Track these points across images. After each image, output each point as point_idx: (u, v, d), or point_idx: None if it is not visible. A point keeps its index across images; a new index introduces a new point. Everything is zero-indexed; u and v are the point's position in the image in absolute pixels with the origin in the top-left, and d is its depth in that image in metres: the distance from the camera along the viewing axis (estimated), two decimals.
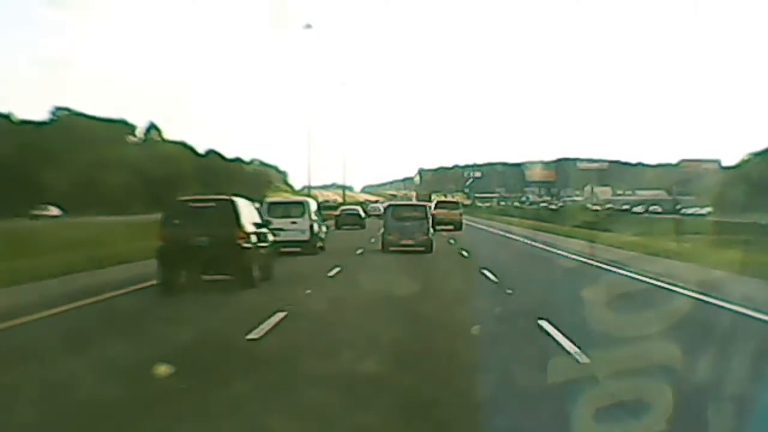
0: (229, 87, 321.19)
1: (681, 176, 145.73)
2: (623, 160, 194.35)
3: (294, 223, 28.34)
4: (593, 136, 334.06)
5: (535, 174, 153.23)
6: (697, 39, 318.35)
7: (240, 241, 15.22)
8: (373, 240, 35.51)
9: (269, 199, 29.55)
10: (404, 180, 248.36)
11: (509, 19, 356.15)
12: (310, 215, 28.53)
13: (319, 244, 29.43)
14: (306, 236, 28.19)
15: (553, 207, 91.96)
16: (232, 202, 15.73)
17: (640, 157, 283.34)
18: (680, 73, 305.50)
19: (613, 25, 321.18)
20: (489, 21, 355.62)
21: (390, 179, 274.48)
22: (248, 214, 16.43)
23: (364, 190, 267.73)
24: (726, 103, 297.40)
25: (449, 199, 63.92)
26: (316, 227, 28.86)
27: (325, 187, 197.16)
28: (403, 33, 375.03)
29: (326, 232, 32.07)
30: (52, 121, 69.34)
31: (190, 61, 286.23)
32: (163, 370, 8.12)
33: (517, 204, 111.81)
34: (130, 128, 78.56)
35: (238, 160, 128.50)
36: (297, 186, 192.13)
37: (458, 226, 45.16)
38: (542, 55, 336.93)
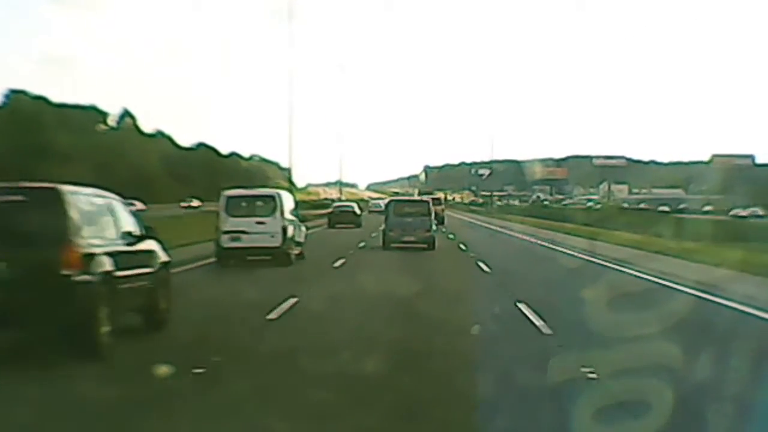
0: (232, 85, 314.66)
1: (692, 174, 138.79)
2: (634, 157, 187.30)
3: (260, 223, 21.63)
4: (602, 134, 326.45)
5: (545, 171, 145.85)
6: (712, 36, 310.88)
7: (69, 271, 7.86)
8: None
9: (227, 192, 22.31)
10: (409, 178, 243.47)
11: (518, 15, 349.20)
12: (282, 213, 21.61)
13: (295, 251, 22.59)
14: (276, 241, 21.44)
15: (598, 207, 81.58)
16: (59, 195, 8.30)
17: (652, 155, 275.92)
18: (695, 69, 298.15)
19: (623, 24, 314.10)
20: (496, 17, 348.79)
21: (395, 177, 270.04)
22: (95, 217, 8.98)
23: (369, 188, 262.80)
24: (745, 100, 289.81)
25: (434, 196, 71.39)
26: (290, 230, 21.99)
27: (328, 185, 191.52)
28: (409, 29, 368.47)
29: (306, 235, 24.93)
30: (5, 105, 61.72)
31: (192, 60, 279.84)
32: None
33: (546, 203, 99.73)
34: (102, 116, 70.72)
35: (234, 155, 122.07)
36: (300, 184, 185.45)
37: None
38: (551, 52, 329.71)
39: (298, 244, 23.31)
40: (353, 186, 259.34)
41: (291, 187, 24.22)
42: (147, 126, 79.15)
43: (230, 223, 21.47)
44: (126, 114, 74.55)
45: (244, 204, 22.13)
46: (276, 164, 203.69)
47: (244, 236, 21.37)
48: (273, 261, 21.37)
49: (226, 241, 21.38)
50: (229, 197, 22.07)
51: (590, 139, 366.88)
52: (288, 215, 22.29)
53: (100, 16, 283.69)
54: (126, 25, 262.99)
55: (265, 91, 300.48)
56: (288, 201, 23.05)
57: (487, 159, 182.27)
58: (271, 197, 22.11)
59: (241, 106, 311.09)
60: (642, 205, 69.84)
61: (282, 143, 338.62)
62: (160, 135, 76.07)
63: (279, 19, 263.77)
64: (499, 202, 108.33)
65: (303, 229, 24.59)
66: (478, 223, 64.53)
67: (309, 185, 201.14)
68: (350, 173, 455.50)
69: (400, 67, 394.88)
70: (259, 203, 22.29)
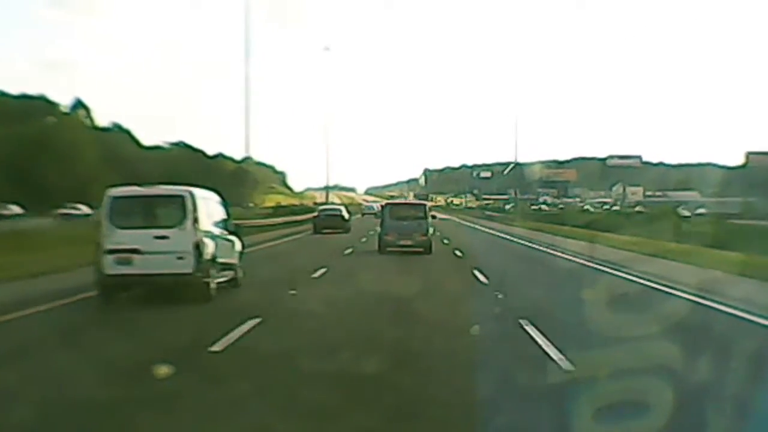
0: (232, 91, 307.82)
1: (697, 175, 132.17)
2: (643, 159, 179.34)
3: (162, 237, 14.32)
4: (603, 135, 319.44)
5: (551, 173, 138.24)
6: (716, 36, 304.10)
7: None
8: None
9: (114, 191, 14.79)
10: (409, 181, 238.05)
11: (520, 15, 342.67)
12: (195, 222, 14.25)
13: (220, 278, 15.36)
14: (186, 265, 14.22)
15: (639, 210, 60.82)
16: None
17: (660, 156, 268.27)
18: (698, 70, 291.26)
19: (623, 26, 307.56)
20: (498, 18, 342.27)
21: (395, 181, 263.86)
22: None
23: (367, 192, 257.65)
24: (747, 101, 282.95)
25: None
26: (210, 247, 14.65)
27: (327, 189, 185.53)
28: (408, 30, 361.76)
29: (242, 254, 17.47)
30: None
31: (189, 63, 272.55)
32: None
33: (588, 207, 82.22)
34: (52, 106, 62.88)
35: (220, 156, 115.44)
36: (299, 188, 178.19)
37: None
38: (553, 52, 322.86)
39: (227, 267, 15.95)
40: (351, 190, 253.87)
41: (217, 195, 16.65)
42: (109, 119, 72.46)
43: (116, 238, 14.16)
44: (79, 105, 66.86)
45: (137, 209, 14.79)
46: (271, 167, 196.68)
47: (136, 258, 14.10)
48: (182, 294, 14.17)
49: (110, 265, 14.07)
50: (115, 198, 14.64)
51: (591, 140, 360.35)
52: (208, 225, 14.94)
53: (88, 17, 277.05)
54: (122, 27, 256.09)
55: (264, 95, 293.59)
56: (209, 204, 15.66)
57: (489, 161, 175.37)
58: (179, 198, 14.63)
59: (239, 110, 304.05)
60: (700, 210, 57.71)
61: (276, 147, 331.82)
62: (117, 129, 68.34)
63: (278, 22, 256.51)
64: (532, 206, 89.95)
65: (237, 245, 17.14)
66: (536, 247, 34.09)
67: (308, 189, 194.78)
68: (349, 177, 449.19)
69: (399, 70, 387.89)
70: (160, 208, 14.97)
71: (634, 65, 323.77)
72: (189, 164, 69.58)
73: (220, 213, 16.29)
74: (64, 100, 67.46)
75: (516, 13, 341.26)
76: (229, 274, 16.21)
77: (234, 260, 16.62)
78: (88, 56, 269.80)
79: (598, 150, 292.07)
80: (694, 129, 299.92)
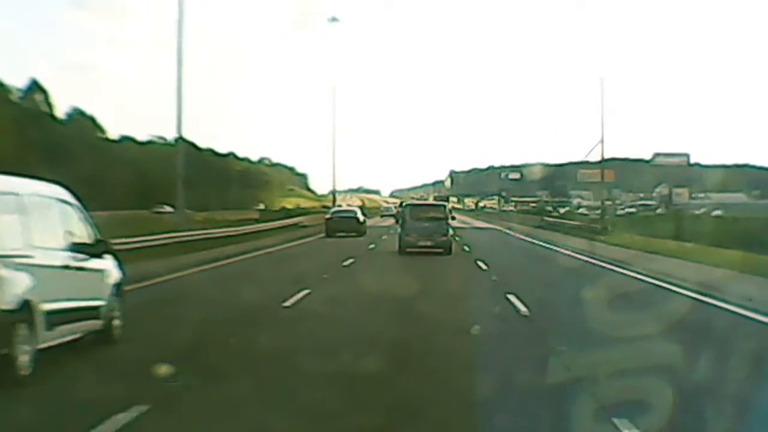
0: (253, 88, 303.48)
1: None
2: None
3: None
4: (632, 135, 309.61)
5: (585, 174, 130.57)
6: (733, 37, 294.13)
7: None
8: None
9: None
10: (435, 183, 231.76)
11: (544, 12, 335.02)
12: None
13: (53, 338, 8.99)
14: None
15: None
16: None
17: (697, 157, 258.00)
18: (731, 66, 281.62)
19: (635, 20, 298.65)
20: (524, 14, 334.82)
21: (420, 183, 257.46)
22: None
23: (392, 195, 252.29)
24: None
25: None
26: (21, 284, 8.08)
27: (351, 191, 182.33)
28: (435, 36, 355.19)
29: (119, 289, 10.46)
30: None
31: (215, 64, 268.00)
32: None
33: (697, 211, 63.96)
34: (4, 90, 56.43)
35: (231, 155, 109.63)
36: (322, 191, 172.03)
37: None
38: (576, 50, 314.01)
39: (78, 316, 9.12)
40: (376, 192, 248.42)
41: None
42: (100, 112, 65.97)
43: None
44: (35, 88, 59.79)
45: None
46: (291, 169, 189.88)
47: None
48: None
49: None
50: None
51: (609, 140, 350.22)
52: (19, 246, 8.07)
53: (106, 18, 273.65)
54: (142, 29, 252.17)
55: (290, 98, 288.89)
56: (32, 209, 8.65)
57: (517, 162, 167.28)
58: None
59: (266, 113, 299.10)
60: None
61: (302, 150, 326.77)
62: (78, 115, 60.82)
63: (296, 24, 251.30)
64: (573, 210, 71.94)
65: (110, 276, 10.29)
66: None
67: (332, 192, 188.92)
68: (374, 180, 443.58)
69: (425, 72, 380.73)
70: None
71: (656, 61, 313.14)
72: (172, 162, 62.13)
73: (62, 223, 9.38)
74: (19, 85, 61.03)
75: (542, 8, 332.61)
76: (87, 325, 9.44)
77: (98, 302, 9.77)
78: (102, 57, 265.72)
79: (613, 150, 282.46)
80: (731, 129, 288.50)
